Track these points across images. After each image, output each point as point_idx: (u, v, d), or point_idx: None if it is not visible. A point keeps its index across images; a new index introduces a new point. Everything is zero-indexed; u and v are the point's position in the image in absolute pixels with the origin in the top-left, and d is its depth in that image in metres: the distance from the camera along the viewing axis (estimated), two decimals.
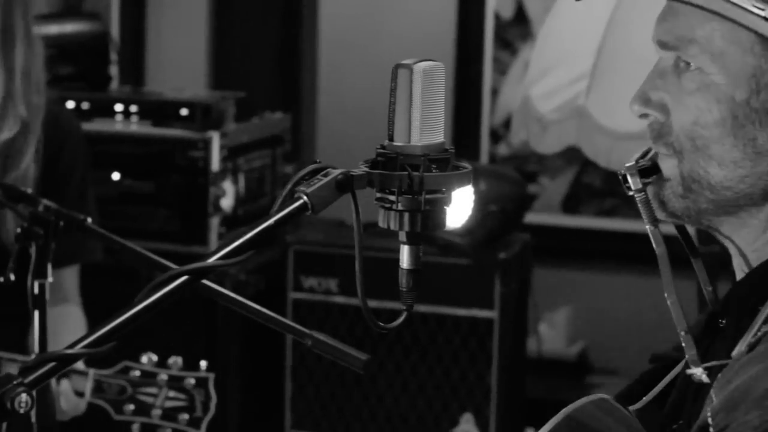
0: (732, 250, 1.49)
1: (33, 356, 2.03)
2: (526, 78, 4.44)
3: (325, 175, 1.35)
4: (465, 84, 4.70)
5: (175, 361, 2.28)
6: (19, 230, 2.10)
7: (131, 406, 2.27)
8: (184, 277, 1.30)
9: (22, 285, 2.08)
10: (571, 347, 4.56)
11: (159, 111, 3.88)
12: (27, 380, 1.21)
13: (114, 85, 4.34)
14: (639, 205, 1.47)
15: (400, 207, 1.35)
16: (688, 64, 1.42)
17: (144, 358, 2.29)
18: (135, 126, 3.90)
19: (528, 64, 4.58)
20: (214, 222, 3.81)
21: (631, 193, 1.48)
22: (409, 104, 1.35)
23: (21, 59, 2.50)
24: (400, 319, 1.40)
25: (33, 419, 1.27)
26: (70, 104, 3.86)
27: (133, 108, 3.90)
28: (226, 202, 3.85)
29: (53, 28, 4.12)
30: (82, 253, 2.65)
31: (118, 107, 3.91)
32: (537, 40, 4.54)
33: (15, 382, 1.21)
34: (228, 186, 3.85)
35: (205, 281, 1.36)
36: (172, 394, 2.26)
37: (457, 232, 3.72)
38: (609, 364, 4.52)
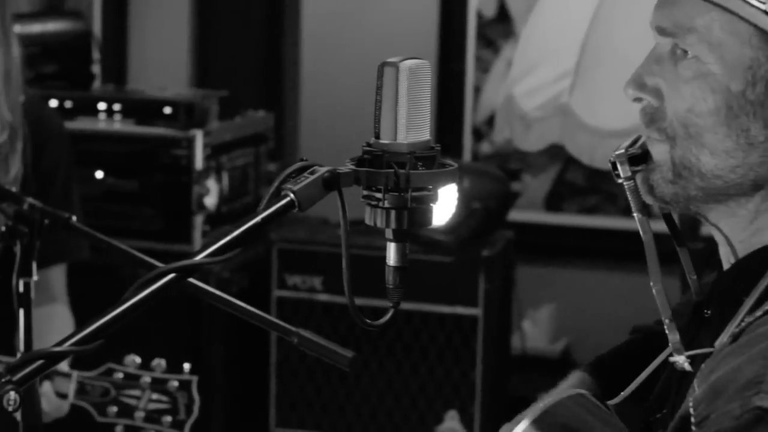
0: (719, 239, 1.49)
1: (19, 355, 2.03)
2: (510, 76, 4.45)
3: (312, 173, 1.35)
4: (447, 82, 4.70)
5: (159, 363, 2.28)
6: (3, 229, 2.09)
7: (114, 408, 2.26)
8: (172, 275, 1.30)
9: (7, 284, 2.08)
10: (554, 344, 4.57)
11: (142, 109, 3.88)
12: (15, 378, 1.21)
13: (96, 83, 4.33)
14: (627, 192, 1.48)
15: (386, 204, 1.36)
16: (685, 51, 1.43)
17: (127, 360, 2.29)
18: (118, 124, 3.90)
19: (510, 63, 4.59)
20: (198, 220, 3.81)
21: (620, 180, 1.48)
22: (396, 102, 1.35)
23: (0, 61, 2.48)
24: (387, 316, 1.40)
25: (18, 418, 1.26)
26: (53, 103, 3.85)
27: (117, 107, 3.90)
28: (210, 201, 3.85)
29: (35, 27, 4.11)
30: (69, 252, 2.64)
31: (102, 106, 3.91)
32: (520, 37, 4.54)
33: (3, 380, 1.21)
34: (211, 184, 3.85)
35: (190, 279, 1.36)
36: (155, 396, 2.26)
37: (440, 229, 3.73)
38: None
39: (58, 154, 2.63)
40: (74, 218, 2.12)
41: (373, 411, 3.95)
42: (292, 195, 1.33)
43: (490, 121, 4.64)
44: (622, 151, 1.48)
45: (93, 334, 1.25)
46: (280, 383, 4.00)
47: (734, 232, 1.47)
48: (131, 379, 2.27)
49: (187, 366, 2.27)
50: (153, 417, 2.25)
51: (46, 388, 2.31)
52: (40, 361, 1.24)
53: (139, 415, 2.25)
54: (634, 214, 1.48)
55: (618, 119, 3.92)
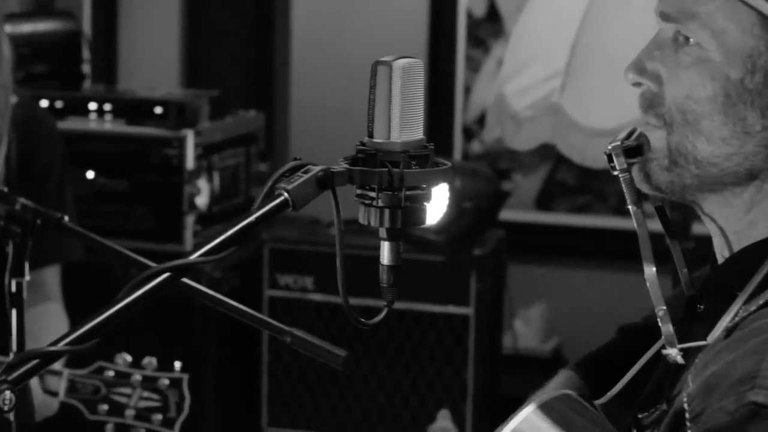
0: (713, 230, 1.49)
1: (12, 356, 2.02)
2: (501, 75, 4.46)
3: (306, 172, 1.35)
4: (438, 82, 4.70)
5: (150, 361, 2.28)
6: None
7: (105, 406, 2.27)
8: (166, 274, 1.30)
9: (0, 284, 2.08)
10: (545, 343, 4.57)
11: (133, 109, 3.88)
12: (10, 377, 1.21)
13: (87, 83, 4.33)
14: (623, 184, 1.48)
15: (380, 203, 1.36)
16: (687, 38, 1.43)
17: (118, 359, 2.29)
18: (109, 124, 3.89)
19: (500, 62, 4.59)
20: (189, 220, 3.81)
21: (615, 172, 1.48)
22: (389, 101, 1.35)
23: None
24: (381, 315, 1.41)
25: (11, 417, 1.26)
26: (44, 103, 3.85)
27: (107, 106, 3.90)
28: (201, 200, 3.85)
29: (26, 27, 4.11)
30: (63, 252, 2.65)
31: (92, 106, 3.90)
32: (511, 37, 4.55)
33: None
34: (202, 184, 3.85)
35: (184, 279, 1.36)
36: (146, 394, 2.26)
37: (432, 229, 3.73)
38: None
39: (51, 154, 2.63)
40: (66, 218, 2.12)
41: (365, 410, 3.95)
42: (286, 194, 1.33)
43: (481, 120, 4.65)
44: (618, 143, 1.48)
45: (88, 334, 1.25)
46: (272, 382, 4.00)
47: (729, 222, 1.47)
48: (122, 377, 2.27)
49: (178, 364, 2.27)
50: (144, 415, 2.25)
51: (33, 384, 2.30)
52: (35, 361, 1.24)
53: (130, 413, 2.25)
54: (629, 206, 1.48)
55: (609, 118, 3.93)
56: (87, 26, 4.78)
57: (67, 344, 1.25)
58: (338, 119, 4.70)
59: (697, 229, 3.55)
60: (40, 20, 4.31)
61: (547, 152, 4.55)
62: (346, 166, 1.36)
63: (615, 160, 1.48)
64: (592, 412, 1.50)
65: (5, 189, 2.23)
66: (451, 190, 3.73)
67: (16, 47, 2.60)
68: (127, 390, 2.26)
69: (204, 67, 4.99)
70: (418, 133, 1.38)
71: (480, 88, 4.65)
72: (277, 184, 1.34)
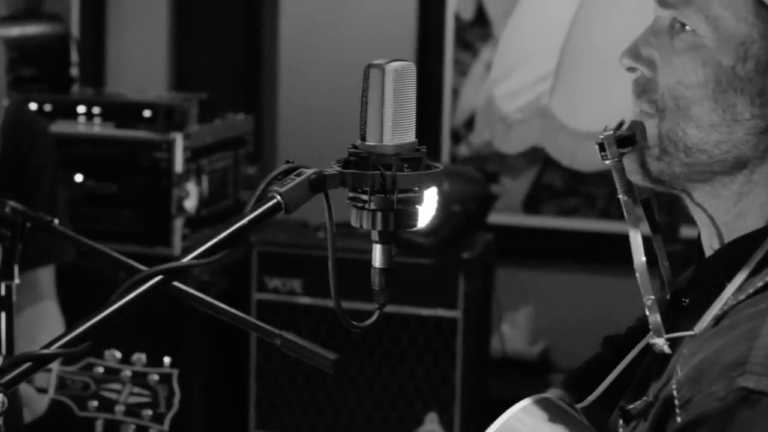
0: (703, 221, 1.50)
1: (0, 359, 2.02)
2: (490, 78, 4.46)
3: (298, 175, 1.35)
4: (426, 85, 4.70)
5: (139, 357, 2.28)
6: None
7: (95, 403, 2.27)
8: (158, 277, 1.30)
9: None
10: (532, 347, 4.58)
11: (122, 112, 3.88)
12: (2, 381, 1.21)
13: (75, 86, 4.32)
14: (614, 173, 1.48)
15: (372, 206, 1.36)
16: (683, 25, 1.44)
17: (108, 355, 2.29)
18: (98, 127, 3.89)
19: (489, 65, 4.60)
20: (178, 223, 3.80)
21: (607, 162, 1.48)
22: (381, 104, 1.36)
23: None
24: (373, 318, 1.41)
25: (0, 421, 1.26)
26: (33, 106, 3.85)
27: (96, 110, 3.90)
28: (190, 204, 3.85)
29: (14, 30, 4.11)
30: (56, 254, 2.65)
31: (81, 109, 3.90)
32: (500, 40, 4.56)
33: None
34: (191, 187, 3.85)
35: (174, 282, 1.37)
36: (135, 390, 2.26)
37: (420, 232, 3.74)
38: (570, 363, 4.51)
39: (43, 158, 2.63)
40: (56, 221, 2.12)
41: (353, 413, 3.95)
42: (279, 197, 1.33)
43: (469, 123, 4.65)
44: (610, 132, 1.49)
45: (81, 336, 1.25)
46: (260, 385, 4.00)
47: (718, 213, 1.48)
48: (111, 374, 2.27)
49: (167, 360, 2.27)
50: (133, 411, 2.25)
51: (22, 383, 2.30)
52: (28, 364, 1.24)
53: (120, 408, 2.25)
54: (620, 196, 1.49)
55: (598, 121, 3.94)
56: (75, 29, 4.77)
57: (59, 347, 1.25)
58: (326, 122, 4.70)
59: (685, 232, 3.56)
60: (28, 23, 4.31)
61: (534, 155, 4.56)
62: (339, 168, 1.37)
63: (607, 149, 1.48)
64: (570, 415, 1.50)
65: None
66: (440, 193, 3.74)
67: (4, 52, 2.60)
68: (116, 386, 2.26)
69: (193, 70, 4.99)
70: (410, 136, 1.38)
71: (468, 91, 4.66)
72: (270, 187, 1.35)
